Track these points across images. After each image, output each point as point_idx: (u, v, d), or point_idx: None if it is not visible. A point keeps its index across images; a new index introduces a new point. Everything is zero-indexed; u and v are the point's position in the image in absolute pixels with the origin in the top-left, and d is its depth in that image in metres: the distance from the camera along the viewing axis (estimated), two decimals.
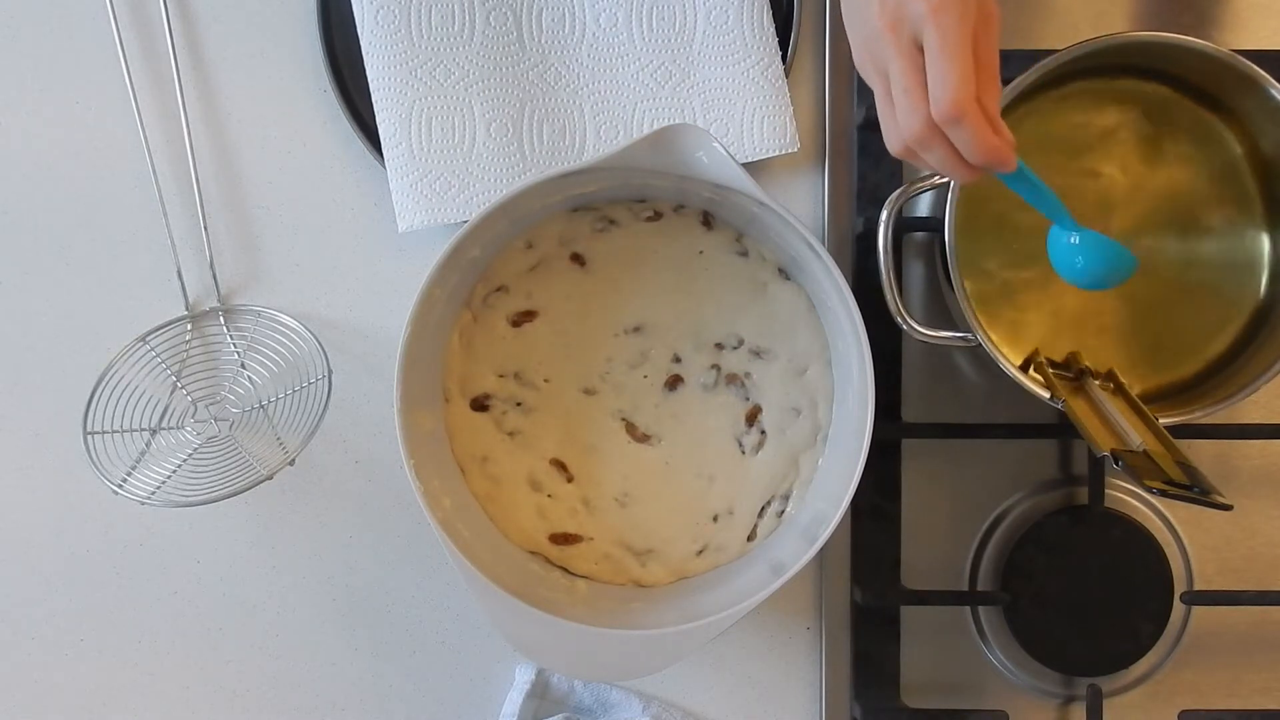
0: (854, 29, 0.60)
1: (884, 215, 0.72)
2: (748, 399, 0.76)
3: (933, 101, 0.56)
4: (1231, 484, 0.80)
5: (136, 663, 0.82)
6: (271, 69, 0.81)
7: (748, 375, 0.76)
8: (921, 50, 0.56)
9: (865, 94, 0.79)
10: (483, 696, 0.82)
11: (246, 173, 0.81)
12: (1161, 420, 0.71)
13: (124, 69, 0.79)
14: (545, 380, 0.76)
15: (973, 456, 0.80)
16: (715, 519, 0.76)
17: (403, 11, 0.77)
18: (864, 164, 0.79)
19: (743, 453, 0.76)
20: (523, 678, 0.80)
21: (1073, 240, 0.66)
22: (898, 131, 0.58)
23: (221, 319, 0.81)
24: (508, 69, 0.78)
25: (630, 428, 0.77)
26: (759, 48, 0.78)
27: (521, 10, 0.78)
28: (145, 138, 0.80)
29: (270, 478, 0.74)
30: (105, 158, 0.81)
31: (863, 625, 0.80)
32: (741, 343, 0.76)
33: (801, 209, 0.81)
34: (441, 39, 0.78)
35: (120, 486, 0.75)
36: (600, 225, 0.75)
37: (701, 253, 0.76)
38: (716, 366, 0.76)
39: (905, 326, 0.72)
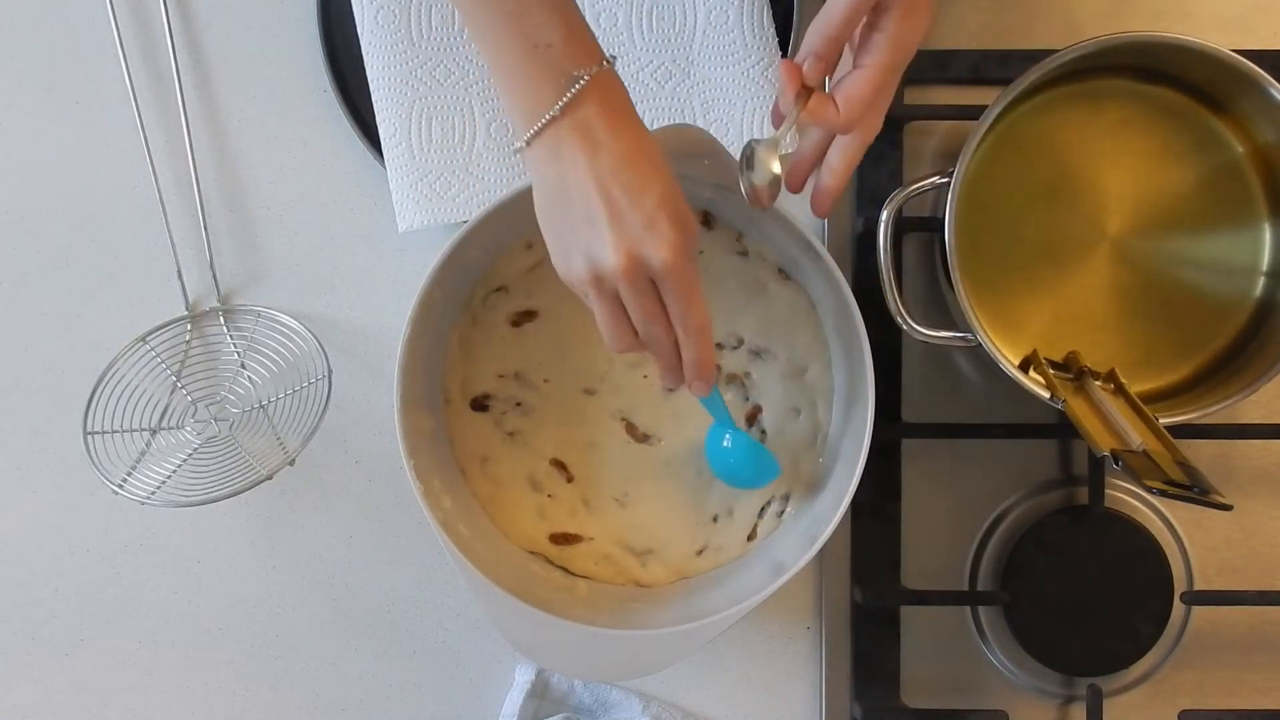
0: (566, 257, 0.62)
1: (884, 215, 0.72)
2: (748, 399, 0.76)
3: (679, 327, 0.62)
4: (1231, 484, 0.80)
5: (136, 663, 0.82)
6: (271, 69, 0.81)
7: (748, 375, 0.76)
8: (655, 289, 0.61)
9: None
10: (483, 696, 0.82)
11: (246, 173, 0.81)
12: (1161, 420, 0.71)
13: (124, 69, 0.79)
14: (545, 380, 0.76)
15: (973, 456, 0.80)
16: (715, 519, 0.76)
17: (403, 11, 0.77)
18: (864, 164, 0.79)
19: None
20: (523, 678, 0.80)
21: (725, 443, 0.73)
22: (629, 340, 0.63)
23: (221, 319, 0.81)
24: None
25: (630, 427, 0.76)
26: (759, 48, 0.78)
27: None
28: (145, 138, 0.80)
29: (270, 478, 0.74)
30: (105, 158, 0.81)
31: (863, 625, 0.79)
32: (741, 343, 0.76)
33: (801, 209, 0.81)
34: (441, 39, 0.78)
35: (120, 486, 0.75)
36: None
37: (702, 253, 0.76)
38: (717, 366, 0.76)
39: (905, 326, 0.72)
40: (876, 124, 0.64)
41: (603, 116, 0.59)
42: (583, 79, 0.58)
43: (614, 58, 0.60)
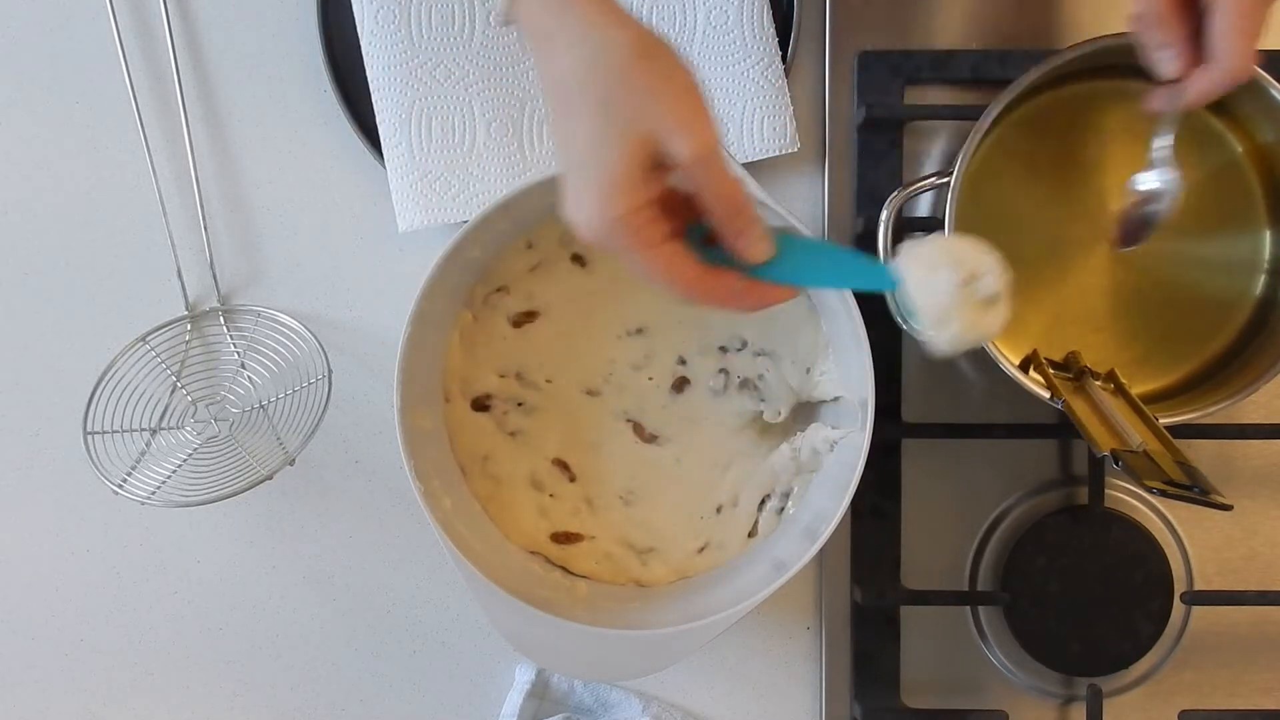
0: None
1: (884, 215, 0.72)
2: (763, 400, 0.76)
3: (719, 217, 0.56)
4: (1231, 484, 0.80)
5: (136, 663, 0.82)
6: (271, 69, 0.81)
7: (760, 378, 0.76)
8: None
9: (865, 94, 0.79)
10: (483, 696, 0.82)
11: (246, 173, 0.81)
12: (1161, 420, 0.71)
13: (124, 69, 0.79)
14: (547, 380, 0.76)
15: (973, 456, 0.80)
16: (719, 509, 0.76)
17: (403, 11, 0.77)
18: (864, 164, 0.79)
19: (759, 448, 0.76)
20: (523, 678, 0.80)
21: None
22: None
23: (221, 319, 0.81)
24: (508, 69, 0.78)
25: (638, 428, 0.76)
26: (759, 48, 0.78)
27: None
28: (145, 138, 0.80)
29: (270, 478, 0.74)
30: (105, 158, 0.81)
31: (863, 625, 0.80)
32: (745, 345, 0.76)
33: (801, 209, 0.81)
34: (441, 39, 0.78)
35: (120, 486, 0.75)
36: None
37: None
38: (725, 370, 0.76)
39: (905, 326, 0.72)
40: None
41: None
42: None
43: None
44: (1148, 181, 0.69)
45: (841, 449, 0.73)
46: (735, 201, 0.56)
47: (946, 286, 0.58)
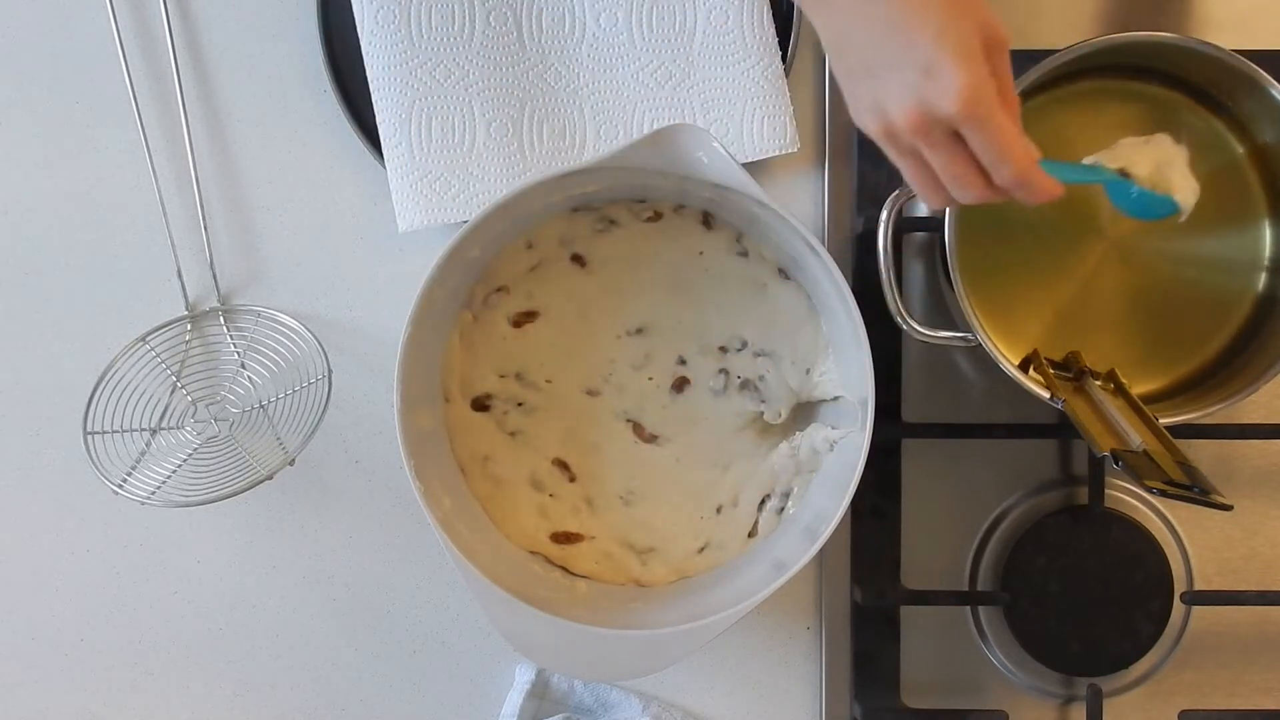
0: (859, 111, 0.58)
1: (884, 215, 0.72)
2: (764, 401, 0.76)
3: (998, 178, 0.55)
4: (1231, 484, 0.80)
5: (136, 663, 0.82)
6: (271, 69, 0.81)
7: (761, 379, 0.76)
8: (957, 137, 0.55)
9: None
10: (483, 696, 0.82)
11: (246, 173, 0.81)
12: (1161, 420, 0.71)
13: (124, 69, 0.79)
14: (547, 380, 0.76)
15: (973, 456, 0.80)
16: (719, 509, 0.76)
17: (403, 11, 0.77)
18: (864, 164, 0.79)
19: (759, 448, 0.76)
20: (523, 678, 0.80)
21: (1134, 194, 0.68)
22: (944, 199, 0.58)
23: (221, 319, 0.81)
24: (508, 69, 0.78)
25: (638, 428, 0.76)
26: (759, 48, 0.78)
27: (521, 10, 0.78)
28: (145, 138, 0.80)
29: (270, 478, 0.74)
30: (105, 158, 0.81)
31: (863, 625, 0.80)
32: (745, 345, 0.76)
33: (801, 209, 0.81)
34: (441, 39, 0.78)
35: (120, 486, 0.75)
36: (600, 225, 0.75)
37: (701, 253, 0.76)
38: (725, 370, 0.76)
39: (905, 326, 0.72)
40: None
41: None
42: None
43: None
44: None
45: (841, 449, 0.73)
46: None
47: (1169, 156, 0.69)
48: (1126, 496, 0.80)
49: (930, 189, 0.57)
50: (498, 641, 0.81)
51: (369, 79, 0.78)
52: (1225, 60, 0.71)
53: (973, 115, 0.52)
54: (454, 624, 0.82)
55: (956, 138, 0.54)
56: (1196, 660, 0.80)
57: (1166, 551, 0.78)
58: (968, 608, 0.80)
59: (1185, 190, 0.68)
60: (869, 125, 0.56)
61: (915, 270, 0.80)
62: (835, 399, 0.75)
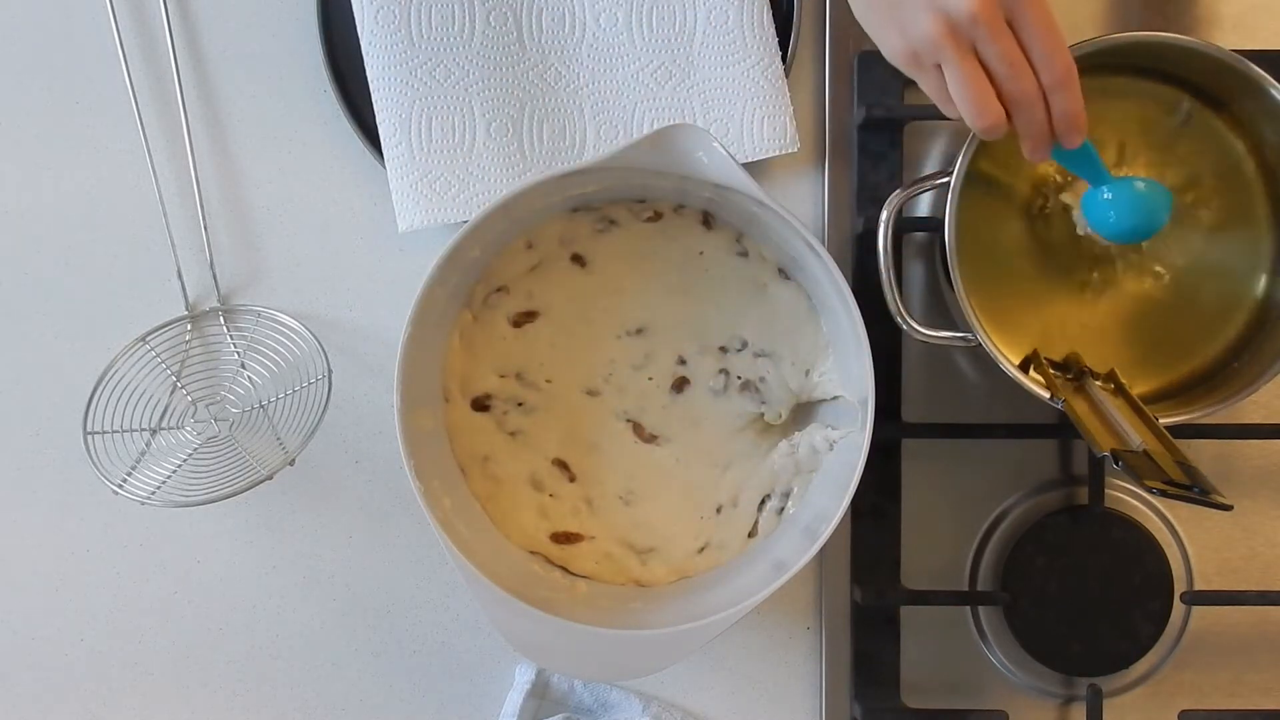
0: (903, 26, 0.59)
1: (884, 215, 0.72)
2: (764, 403, 0.76)
3: (1046, 70, 0.58)
4: (1231, 484, 0.80)
5: (136, 663, 0.82)
6: (271, 69, 0.81)
7: (762, 380, 0.76)
8: (1008, 25, 0.57)
9: (865, 94, 0.79)
10: (483, 696, 0.82)
11: (246, 173, 0.81)
12: (1161, 420, 0.71)
13: (124, 69, 0.79)
14: (547, 380, 0.76)
15: (973, 456, 0.80)
16: (719, 510, 0.76)
17: (403, 11, 0.77)
18: (864, 164, 0.79)
19: (759, 448, 0.76)
20: (523, 678, 0.80)
21: (1105, 196, 0.69)
22: (995, 106, 0.59)
23: (221, 319, 0.81)
24: (508, 69, 0.78)
25: (638, 428, 0.76)
26: (759, 48, 0.78)
27: (521, 10, 0.78)
28: (145, 137, 0.80)
29: (270, 478, 0.74)
30: (105, 158, 0.81)
31: (863, 625, 0.80)
32: (745, 345, 0.76)
33: (801, 209, 0.81)
34: (441, 39, 0.78)
35: (120, 486, 0.75)
36: (600, 225, 0.75)
37: (702, 253, 0.76)
38: (725, 371, 0.76)
39: (905, 326, 0.72)
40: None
41: None
42: None
43: None
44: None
45: (841, 449, 0.73)
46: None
47: None
48: (1126, 496, 0.80)
49: (985, 93, 0.58)
50: (498, 641, 0.81)
51: (369, 79, 0.78)
52: (1225, 60, 0.71)
53: None
54: (454, 624, 0.82)
55: (1011, 30, 0.57)
56: (1196, 660, 0.80)
57: (1166, 551, 0.78)
58: (968, 608, 0.80)
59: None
60: (922, 28, 0.58)
61: (915, 270, 0.80)
62: (835, 399, 0.75)
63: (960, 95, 0.59)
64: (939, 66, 0.60)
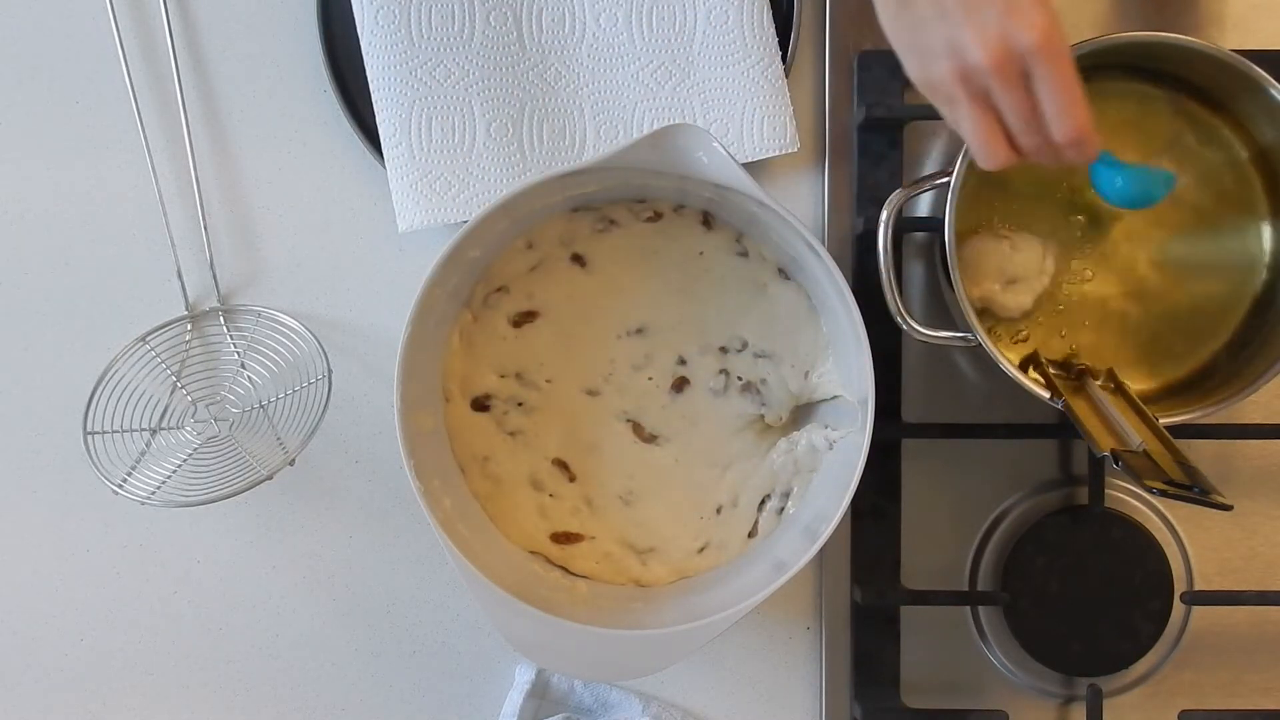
0: (922, 58, 0.59)
1: (884, 215, 0.72)
2: (764, 404, 0.76)
3: (1057, 129, 0.57)
4: (1231, 484, 0.80)
5: (136, 662, 0.82)
6: (271, 69, 0.81)
7: (763, 382, 0.76)
8: (1024, 79, 0.57)
9: (865, 94, 0.79)
10: (483, 696, 0.82)
11: (246, 173, 0.81)
12: (1161, 420, 0.71)
13: (124, 69, 0.79)
14: (547, 381, 0.76)
15: (973, 456, 0.80)
16: (719, 510, 0.76)
17: (403, 11, 0.77)
18: (864, 164, 0.79)
19: (758, 448, 0.76)
20: (523, 678, 0.80)
21: (1118, 182, 0.68)
22: (1003, 152, 0.59)
23: (221, 319, 0.81)
24: (508, 69, 0.78)
25: (637, 428, 0.76)
26: (759, 48, 0.78)
27: (521, 10, 0.78)
28: (145, 137, 0.80)
29: (270, 478, 0.74)
30: (105, 158, 0.81)
31: (863, 625, 0.79)
32: (745, 345, 0.76)
33: (801, 209, 0.81)
34: (441, 39, 0.78)
35: (120, 486, 0.75)
36: (600, 225, 0.75)
37: (702, 253, 0.76)
38: (725, 371, 0.76)
39: (905, 326, 0.72)
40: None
41: None
42: None
43: None
44: None
45: (841, 449, 0.73)
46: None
47: None
48: (1126, 496, 0.80)
49: (994, 138, 0.58)
50: (498, 641, 0.82)
51: (369, 79, 0.78)
52: (1225, 60, 0.71)
53: (1053, 48, 0.55)
54: (454, 624, 0.82)
55: (1026, 84, 0.57)
56: (1196, 660, 0.80)
57: (1166, 551, 0.78)
58: (968, 608, 0.80)
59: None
60: (939, 71, 0.57)
61: (915, 270, 0.80)
62: (835, 399, 0.75)
63: (968, 137, 0.59)
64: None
